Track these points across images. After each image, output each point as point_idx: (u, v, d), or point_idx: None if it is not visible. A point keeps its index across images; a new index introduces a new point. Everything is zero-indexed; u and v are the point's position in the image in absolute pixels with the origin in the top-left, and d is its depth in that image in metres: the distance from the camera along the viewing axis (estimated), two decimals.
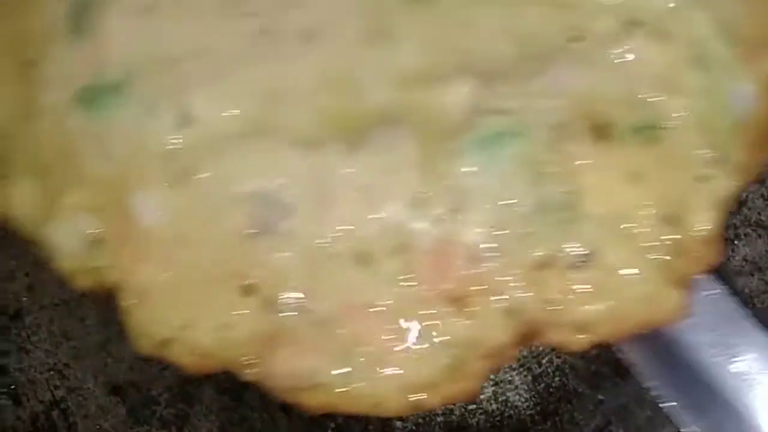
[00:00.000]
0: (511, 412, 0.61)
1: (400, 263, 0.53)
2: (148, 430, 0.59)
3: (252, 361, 0.55)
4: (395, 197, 0.53)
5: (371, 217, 0.53)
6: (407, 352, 0.54)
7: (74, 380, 0.58)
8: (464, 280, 0.53)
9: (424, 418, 0.60)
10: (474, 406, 0.61)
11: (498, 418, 0.61)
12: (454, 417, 0.60)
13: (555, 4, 0.55)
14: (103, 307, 0.56)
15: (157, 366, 0.57)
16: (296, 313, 0.54)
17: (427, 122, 0.54)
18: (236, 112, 0.55)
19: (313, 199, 0.54)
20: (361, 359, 0.54)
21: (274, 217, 0.54)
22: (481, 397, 0.60)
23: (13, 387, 0.57)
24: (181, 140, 0.55)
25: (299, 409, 0.54)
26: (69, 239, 0.57)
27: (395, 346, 0.54)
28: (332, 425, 0.60)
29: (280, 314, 0.54)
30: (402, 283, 0.53)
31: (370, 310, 0.54)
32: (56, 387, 0.58)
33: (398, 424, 0.60)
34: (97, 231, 0.56)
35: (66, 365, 0.58)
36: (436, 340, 0.53)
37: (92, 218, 0.56)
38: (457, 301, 0.53)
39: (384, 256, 0.53)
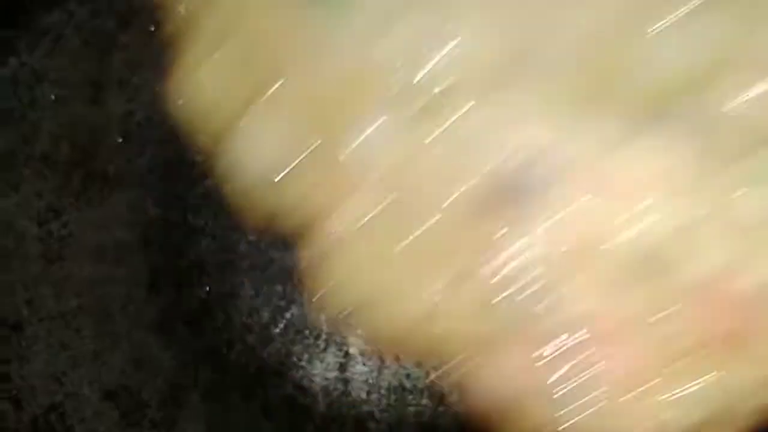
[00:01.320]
0: None
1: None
2: None
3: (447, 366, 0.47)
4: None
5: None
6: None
7: (71, 386, 0.60)
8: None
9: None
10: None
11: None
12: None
13: None
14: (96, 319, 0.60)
15: (147, 372, 0.60)
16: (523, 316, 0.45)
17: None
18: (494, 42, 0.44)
19: (564, 185, 0.44)
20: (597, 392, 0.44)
21: (512, 199, 0.45)
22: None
23: (14, 392, 0.60)
24: (424, 70, 0.45)
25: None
26: (256, 154, 0.48)
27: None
28: (311, 427, 0.59)
29: (501, 314, 0.45)
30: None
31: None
32: (54, 393, 0.60)
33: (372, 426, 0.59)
34: (295, 150, 0.47)
35: (63, 373, 0.60)
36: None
37: (293, 134, 0.46)
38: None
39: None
